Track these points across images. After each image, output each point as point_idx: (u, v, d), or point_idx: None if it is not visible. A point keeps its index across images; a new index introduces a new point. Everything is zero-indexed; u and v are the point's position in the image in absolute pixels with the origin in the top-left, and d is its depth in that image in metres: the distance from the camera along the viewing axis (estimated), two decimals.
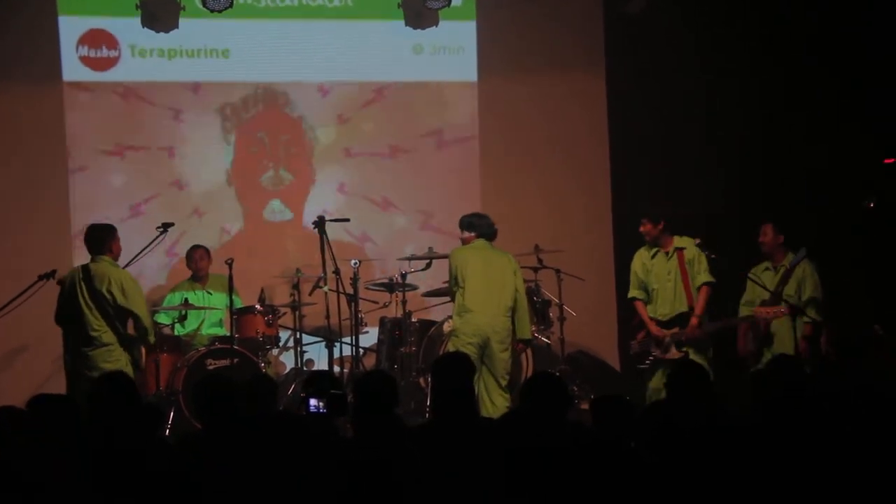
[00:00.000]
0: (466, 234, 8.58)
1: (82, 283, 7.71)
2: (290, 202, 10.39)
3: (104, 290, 7.67)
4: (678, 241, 8.49)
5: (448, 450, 5.06)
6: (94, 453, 4.64)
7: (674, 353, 8.31)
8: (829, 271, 8.59)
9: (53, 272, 7.94)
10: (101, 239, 7.87)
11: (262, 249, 10.18)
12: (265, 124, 10.39)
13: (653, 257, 8.54)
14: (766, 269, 8.54)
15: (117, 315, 7.72)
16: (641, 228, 8.54)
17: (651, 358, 8.38)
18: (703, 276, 8.41)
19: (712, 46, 10.27)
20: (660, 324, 8.43)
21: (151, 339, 7.95)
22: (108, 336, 7.71)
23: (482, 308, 8.31)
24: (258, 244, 10.23)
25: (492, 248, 8.53)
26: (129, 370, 7.57)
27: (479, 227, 8.57)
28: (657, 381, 8.28)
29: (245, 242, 10.19)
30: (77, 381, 7.62)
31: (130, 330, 7.87)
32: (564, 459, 4.83)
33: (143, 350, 7.99)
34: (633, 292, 8.61)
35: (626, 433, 4.96)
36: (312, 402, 5.14)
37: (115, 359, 7.69)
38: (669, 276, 8.44)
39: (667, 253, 8.48)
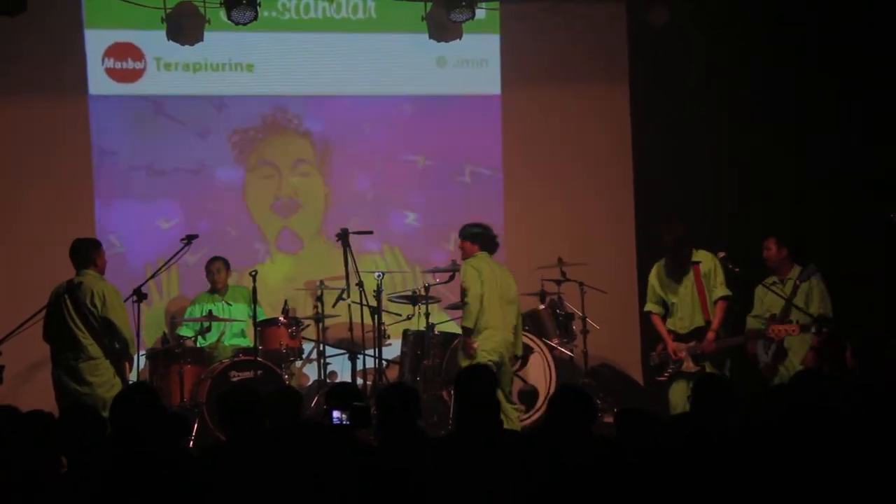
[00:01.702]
0: (469, 245, 8.50)
1: (67, 298, 7.73)
2: (309, 213, 10.41)
3: (88, 303, 7.69)
4: (695, 254, 8.44)
5: (471, 462, 5.05)
6: (117, 462, 4.66)
7: (690, 367, 8.29)
8: (849, 283, 8.54)
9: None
10: (86, 253, 7.88)
11: (284, 263, 10.22)
12: (287, 135, 10.42)
13: (670, 272, 8.48)
14: (774, 282, 8.48)
15: (102, 328, 7.72)
16: (667, 237, 8.41)
17: (670, 370, 8.37)
18: (719, 290, 8.36)
19: (736, 56, 10.25)
20: (678, 337, 8.38)
21: (132, 351, 7.88)
22: (94, 349, 7.72)
23: (501, 325, 8.29)
24: (280, 257, 10.26)
25: (496, 262, 8.49)
26: (115, 383, 7.59)
27: (484, 238, 8.48)
28: (677, 394, 8.30)
29: (267, 255, 10.21)
30: (65, 395, 7.66)
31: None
32: (589, 473, 4.83)
33: (128, 365, 7.94)
34: (649, 306, 8.56)
35: (651, 446, 4.95)
36: (335, 413, 5.14)
37: (101, 372, 7.71)
38: (687, 289, 8.41)
39: (685, 267, 8.44)
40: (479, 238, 8.45)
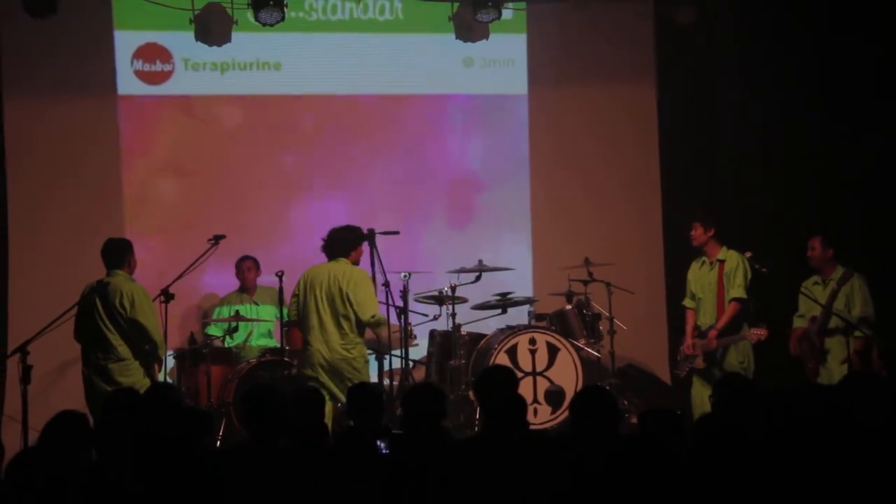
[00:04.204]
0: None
1: (97, 299, 7.76)
2: (336, 212, 10.42)
3: (117, 304, 7.71)
4: (723, 252, 8.56)
5: (496, 463, 5.05)
6: (143, 458, 4.71)
7: (700, 364, 8.57)
8: (883, 285, 8.48)
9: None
10: (120, 253, 7.91)
11: (309, 263, 10.21)
12: (316, 136, 10.44)
13: (701, 267, 8.73)
14: (816, 282, 8.50)
15: (131, 329, 7.75)
16: (692, 232, 8.69)
17: (687, 366, 8.65)
18: (734, 290, 8.51)
19: (763, 55, 10.19)
20: (702, 333, 8.64)
21: (162, 353, 7.89)
22: (124, 350, 7.76)
23: (319, 338, 8.30)
24: (306, 257, 10.25)
25: (333, 266, 8.35)
26: (144, 384, 7.58)
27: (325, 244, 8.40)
28: (695, 390, 8.61)
29: (294, 255, 10.21)
30: (95, 394, 7.68)
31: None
32: (614, 473, 4.82)
33: (157, 366, 7.97)
34: (686, 301, 8.91)
35: (676, 446, 4.93)
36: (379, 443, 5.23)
37: (131, 373, 7.74)
38: (710, 286, 8.55)
39: (711, 263, 8.57)
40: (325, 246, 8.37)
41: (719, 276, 8.54)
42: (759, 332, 8.36)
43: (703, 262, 8.74)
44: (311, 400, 5.60)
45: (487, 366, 8.57)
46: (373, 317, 8.20)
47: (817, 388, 6.76)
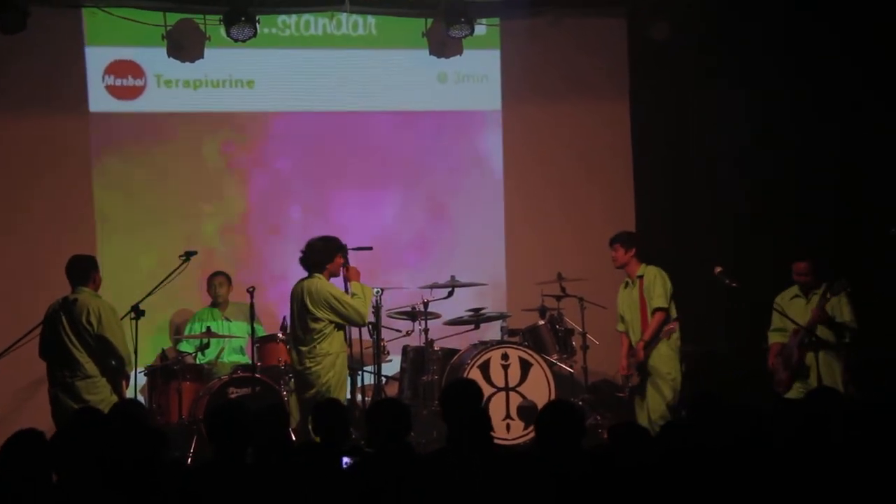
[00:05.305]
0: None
1: (63, 316, 7.70)
2: (309, 228, 10.38)
3: (84, 321, 7.65)
4: (641, 269, 8.67)
5: (460, 478, 5.04)
6: (105, 476, 4.68)
7: (635, 380, 8.61)
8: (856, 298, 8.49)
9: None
10: (85, 270, 7.84)
11: (281, 279, 10.20)
12: (289, 153, 10.42)
13: (625, 288, 8.79)
14: (796, 295, 8.44)
15: (98, 346, 7.69)
16: (613, 254, 8.74)
17: (628, 387, 8.69)
18: (655, 301, 8.61)
19: (737, 70, 10.22)
20: (634, 353, 8.66)
21: (129, 368, 7.83)
22: (90, 367, 7.69)
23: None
24: (278, 273, 10.24)
25: (305, 283, 8.23)
26: (112, 401, 7.49)
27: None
28: (638, 409, 8.61)
29: (265, 271, 10.20)
30: (61, 412, 7.60)
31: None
32: (579, 488, 4.82)
33: (125, 382, 7.90)
34: (617, 326, 8.91)
35: (643, 459, 4.93)
36: (345, 459, 5.20)
37: (98, 390, 7.66)
38: (634, 304, 8.64)
39: (633, 282, 8.71)
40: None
41: (640, 292, 8.61)
42: (669, 328, 8.47)
43: (627, 283, 8.78)
44: (274, 417, 5.55)
45: (451, 380, 8.55)
46: (360, 314, 8.14)
47: (786, 403, 6.76)
